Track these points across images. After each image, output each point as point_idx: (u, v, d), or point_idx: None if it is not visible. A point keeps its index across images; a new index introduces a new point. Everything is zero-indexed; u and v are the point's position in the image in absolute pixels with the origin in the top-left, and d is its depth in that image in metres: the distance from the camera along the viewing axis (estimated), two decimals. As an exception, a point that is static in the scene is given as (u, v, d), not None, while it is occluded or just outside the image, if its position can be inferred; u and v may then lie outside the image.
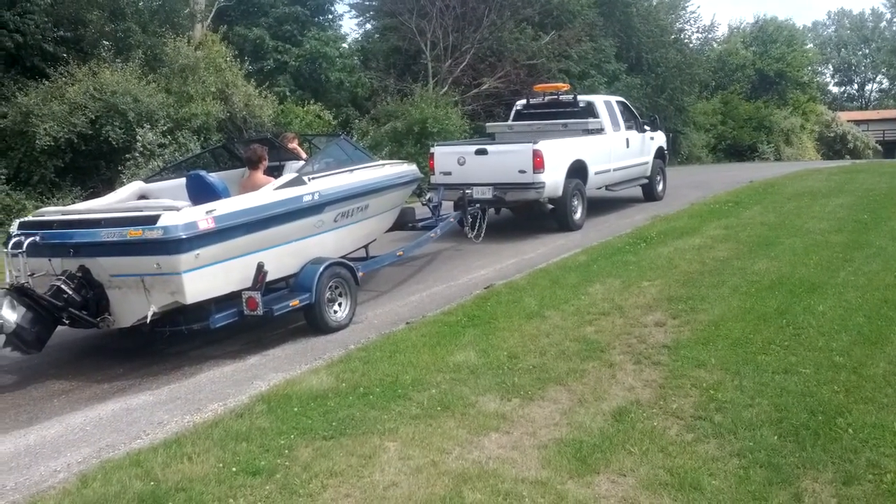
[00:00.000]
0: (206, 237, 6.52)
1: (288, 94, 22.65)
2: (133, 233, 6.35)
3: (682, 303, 7.58)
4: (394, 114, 22.80)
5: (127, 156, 16.71)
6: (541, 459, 4.45)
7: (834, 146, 47.62)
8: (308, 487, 4.22)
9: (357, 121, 23.76)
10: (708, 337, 6.46)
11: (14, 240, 6.67)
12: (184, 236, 6.31)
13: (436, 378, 5.82)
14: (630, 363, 6.02)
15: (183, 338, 7.45)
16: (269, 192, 7.43)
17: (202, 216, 6.56)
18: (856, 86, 79.62)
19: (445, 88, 24.63)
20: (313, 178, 7.94)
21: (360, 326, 7.77)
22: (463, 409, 5.20)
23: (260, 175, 8.06)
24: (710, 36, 46.18)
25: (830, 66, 75.59)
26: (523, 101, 15.95)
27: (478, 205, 11.91)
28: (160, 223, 6.31)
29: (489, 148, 12.92)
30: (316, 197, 7.82)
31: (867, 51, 77.03)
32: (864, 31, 77.72)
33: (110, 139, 16.62)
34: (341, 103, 24.51)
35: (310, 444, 4.74)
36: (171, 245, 6.28)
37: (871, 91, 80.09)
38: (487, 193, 12.41)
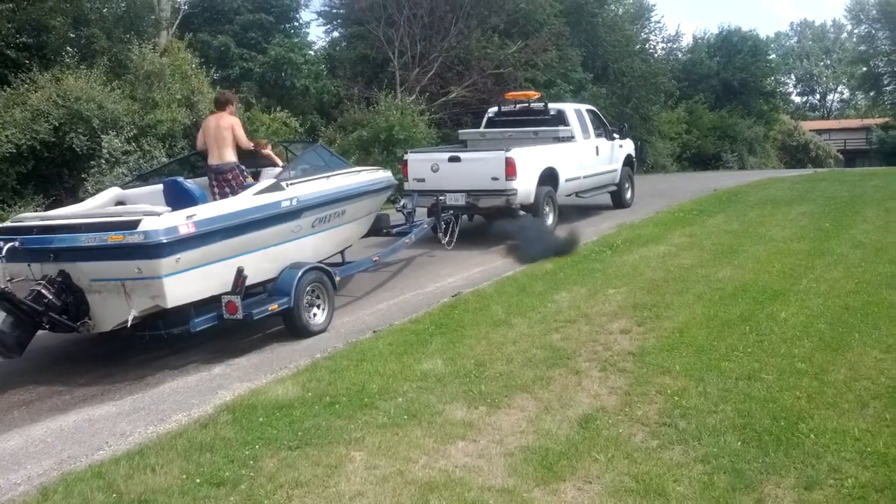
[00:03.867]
0: (187, 242, 6.59)
1: (253, 101, 22.49)
2: (114, 237, 6.39)
3: (647, 310, 7.66)
4: (360, 122, 22.75)
5: (91, 163, 16.47)
6: (507, 467, 4.45)
7: (796, 155, 48.30)
8: (273, 498, 4.19)
9: (324, 128, 23.65)
10: (672, 344, 6.53)
11: None
12: (164, 241, 6.37)
13: (402, 387, 5.81)
14: (596, 370, 6.06)
15: (147, 347, 7.39)
16: (248, 198, 7.54)
17: (183, 221, 6.63)
18: (818, 96, 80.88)
19: (413, 96, 24.62)
20: (291, 184, 8.05)
21: (326, 335, 7.74)
22: (430, 418, 5.19)
23: (227, 115, 8.57)
24: (674, 46, 46.74)
25: (793, 77, 76.73)
26: (495, 109, 16.10)
27: (451, 211, 11.98)
28: (141, 228, 6.36)
29: (462, 155, 13.02)
30: (294, 202, 7.92)
31: (829, 61, 78.27)
32: (826, 42, 78.99)
33: (74, 146, 16.36)
34: (307, 110, 24.36)
35: (275, 454, 4.71)
36: (151, 249, 6.34)
37: (833, 101, 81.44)
38: (460, 200, 12.52)
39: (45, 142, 16.17)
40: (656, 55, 40.63)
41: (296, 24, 27.11)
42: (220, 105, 8.73)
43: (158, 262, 6.38)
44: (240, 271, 6.98)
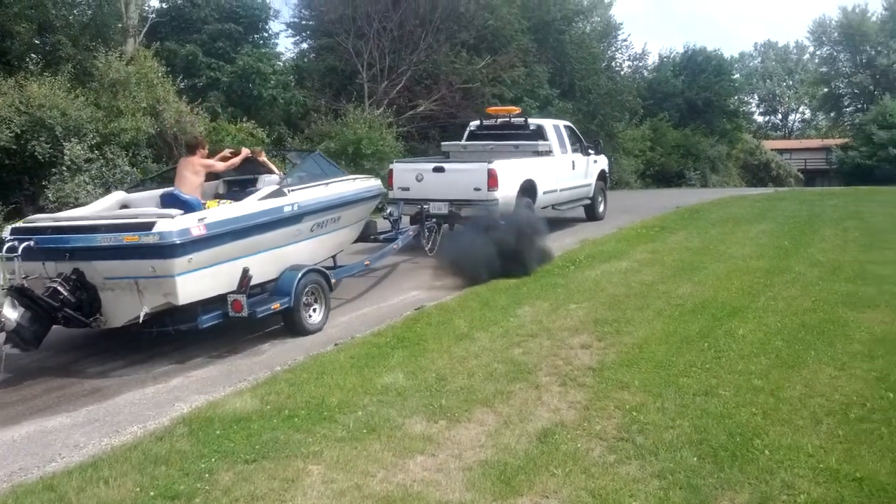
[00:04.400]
0: (198, 243, 7.01)
1: (220, 110, 22.35)
2: (129, 238, 6.80)
3: (607, 325, 7.72)
4: (328, 134, 22.71)
5: (53, 170, 16.26)
6: (465, 482, 4.45)
7: (758, 174, 49.00)
8: (228, 512, 4.15)
9: (291, 139, 23.57)
10: (632, 359, 6.58)
11: (8, 244, 6.99)
12: (178, 241, 6.79)
13: (363, 400, 5.79)
14: (556, 385, 6.08)
15: (105, 359, 7.35)
16: (253, 203, 8.00)
17: (195, 223, 7.06)
18: (780, 115, 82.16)
19: (381, 109, 24.65)
20: (292, 191, 8.51)
21: (286, 347, 7.70)
22: (389, 432, 5.18)
23: (197, 158, 8.73)
24: (640, 64, 47.33)
25: (756, 96, 77.88)
26: (477, 123, 16.69)
27: (433, 219, 12.28)
28: (156, 229, 6.78)
29: (446, 166, 13.48)
30: (295, 208, 8.39)
31: (791, 82, 79.54)
32: (789, 62, 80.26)
33: (36, 153, 16.15)
34: (274, 121, 24.25)
35: (231, 467, 4.66)
36: (166, 249, 6.75)
37: (794, 121, 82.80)
38: (443, 209, 12.87)
39: (6, 149, 15.94)
40: (622, 73, 41.12)
41: (265, 34, 26.99)
42: (191, 148, 8.98)
43: (172, 261, 6.79)
44: (245, 271, 7.38)
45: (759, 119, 78.22)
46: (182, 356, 7.52)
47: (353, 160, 21.04)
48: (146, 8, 23.97)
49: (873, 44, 61.36)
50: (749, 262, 11.09)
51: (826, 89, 67.98)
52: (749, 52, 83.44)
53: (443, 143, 17.63)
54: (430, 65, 26.29)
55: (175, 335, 7.51)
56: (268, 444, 4.98)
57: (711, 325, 7.68)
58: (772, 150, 54.34)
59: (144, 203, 8.69)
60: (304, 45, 30.87)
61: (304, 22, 29.99)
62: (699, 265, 10.97)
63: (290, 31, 30.42)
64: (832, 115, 70.15)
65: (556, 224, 16.21)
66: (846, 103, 66.75)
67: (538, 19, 31.51)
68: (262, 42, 26.49)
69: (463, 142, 16.26)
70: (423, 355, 6.94)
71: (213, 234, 7.17)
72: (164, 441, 5.12)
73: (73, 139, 16.51)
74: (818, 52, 69.43)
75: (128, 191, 9.46)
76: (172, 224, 6.88)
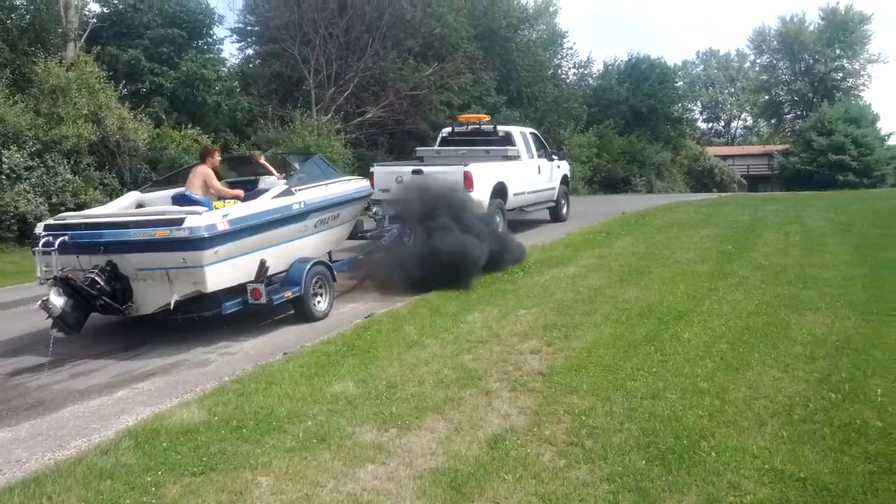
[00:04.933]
0: (223, 237, 7.79)
1: (163, 116, 22.00)
2: (161, 232, 7.54)
3: (556, 330, 7.77)
4: (275, 140, 22.53)
5: (-10, 178, 15.85)
6: (416, 490, 4.43)
7: (702, 179, 49.86)
8: (175, 526, 4.07)
9: (237, 146, 23.30)
10: (580, 364, 6.63)
11: (44, 239, 7.73)
12: (206, 235, 7.56)
13: (312, 410, 5.73)
14: (506, 390, 6.10)
15: (46, 372, 7.18)
16: (267, 201, 8.78)
17: (220, 219, 7.87)
18: (722, 122, 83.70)
19: (329, 116, 24.53)
20: (299, 190, 9.32)
21: (235, 358, 7.60)
22: (339, 441, 5.13)
23: (205, 168, 9.44)
24: (586, 72, 47.91)
25: (699, 104, 79.24)
26: (449, 129, 18.02)
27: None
28: (186, 224, 7.53)
29: (425, 169, 14.22)
30: (302, 206, 9.21)
31: (733, 89, 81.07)
32: (731, 70, 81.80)
33: (-28, 161, 15.74)
34: (220, 128, 23.96)
35: (178, 480, 4.57)
36: (195, 242, 7.51)
37: (737, 128, 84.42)
38: None
39: (-60, 156, 15.51)
40: (568, 80, 41.60)
41: (209, 40, 26.67)
42: (202, 157, 9.72)
43: (202, 253, 7.56)
44: (262, 263, 8.25)
45: (703, 126, 79.69)
46: (129, 367, 7.39)
47: (301, 167, 20.88)
48: (87, 12, 23.50)
49: (811, 52, 62.88)
50: (694, 267, 11.28)
51: (767, 96, 69.42)
52: (692, 60, 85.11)
53: (417, 148, 18.70)
54: (377, 71, 26.26)
55: (123, 351, 7.45)
56: (215, 456, 4.90)
57: (658, 328, 7.78)
58: (715, 156, 55.35)
59: (158, 202, 9.52)
60: (250, 51, 30.63)
61: (249, 27, 29.74)
62: (645, 270, 11.12)
63: (235, 36, 30.15)
64: (773, 121, 71.65)
65: (512, 227, 16.31)
66: (786, 110, 68.24)
67: (484, 27, 31.72)
68: (206, 48, 26.17)
69: (436, 147, 17.36)
70: (374, 363, 6.91)
71: (235, 228, 7.95)
72: (109, 455, 5.00)
73: (11, 147, 16.11)
74: (758, 61, 70.90)
75: (142, 191, 10.21)
76: (201, 220, 7.65)
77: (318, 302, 9.19)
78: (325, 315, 9.18)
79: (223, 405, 5.88)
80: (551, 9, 45.15)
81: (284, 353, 7.46)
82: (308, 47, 25.16)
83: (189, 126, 21.09)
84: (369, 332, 8.06)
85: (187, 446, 5.08)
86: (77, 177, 17.08)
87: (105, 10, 24.62)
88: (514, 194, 15.61)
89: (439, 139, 17.84)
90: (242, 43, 30.62)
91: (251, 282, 8.14)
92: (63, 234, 7.73)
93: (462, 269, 10.33)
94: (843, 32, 61.91)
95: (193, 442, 5.15)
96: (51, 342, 7.56)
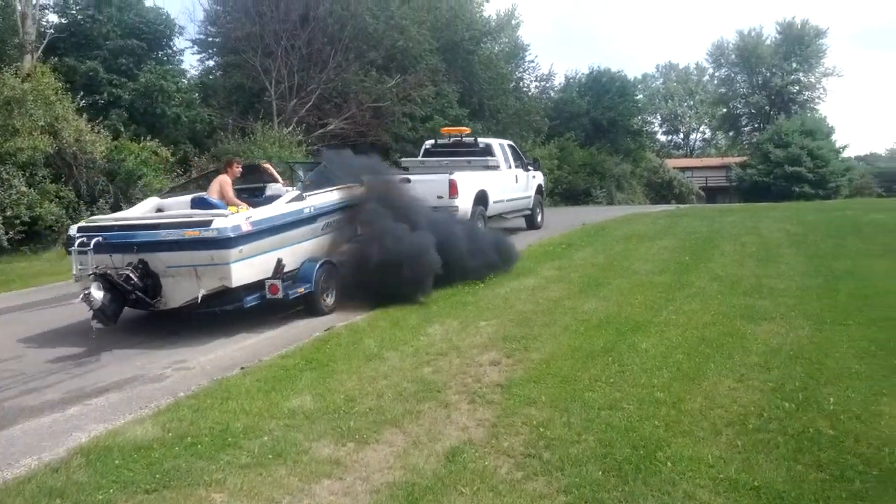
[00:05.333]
0: (247, 237, 8.59)
1: (122, 128, 21.75)
2: (190, 233, 8.34)
3: (515, 342, 7.78)
4: (236, 152, 22.36)
5: (-57, 191, 15.55)
6: (372, 504, 4.40)
7: (661, 191, 50.47)
8: (126, 545, 3.99)
9: (196, 158, 23.10)
10: (539, 375, 6.64)
11: (79, 239, 8.51)
12: (232, 235, 8.37)
13: (269, 425, 5.67)
14: (465, 402, 6.09)
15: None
16: (282, 205, 9.65)
17: (244, 220, 8.67)
18: (681, 135, 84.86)
19: (290, 128, 24.43)
20: (309, 195, 10.15)
21: (191, 373, 7.48)
22: (296, 457, 5.08)
23: (224, 177, 10.35)
24: (547, 85, 48.35)
25: (659, 116, 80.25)
26: (432, 141, 19.11)
27: None
28: (214, 225, 8.34)
29: (413, 177, 14.72)
30: (312, 210, 10.06)
31: (692, 102, 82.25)
32: (690, 83, 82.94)
33: (-77, 173, 15.43)
34: (179, 140, 23.77)
35: (130, 498, 4.49)
36: (223, 242, 8.30)
37: (696, 140, 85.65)
38: None
39: None
40: (530, 93, 41.89)
41: (169, 51, 26.47)
42: (223, 167, 10.66)
43: (228, 251, 8.35)
44: (279, 261, 9.11)
45: (662, 138, 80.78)
46: (82, 383, 7.24)
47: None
48: (44, 23, 23.22)
49: (768, 66, 64.08)
50: (652, 278, 11.38)
51: (725, 109, 70.57)
52: (651, 74, 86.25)
53: (402, 158, 19.82)
54: (339, 83, 26.25)
55: (80, 361, 7.28)
56: (169, 473, 4.81)
57: (615, 339, 7.83)
58: (674, 168, 56.13)
59: (177, 206, 10.35)
60: (210, 63, 30.48)
61: (210, 39, 29.59)
62: (604, 281, 11.19)
63: (195, 47, 29.97)
64: (731, 134, 72.80)
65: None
66: (744, 123, 69.38)
67: (447, 39, 31.86)
68: (166, 59, 25.99)
69: (420, 158, 18.41)
70: (332, 377, 6.86)
71: (256, 229, 8.75)
72: (59, 473, 4.89)
73: (-36, 159, 15.83)
74: (717, 74, 72.08)
75: (161, 196, 11.12)
76: (227, 221, 8.45)
77: (327, 298, 9.97)
78: (333, 310, 9.93)
79: (178, 421, 5.79)
80: (514, 22, 45.68)
81: (242, 368, 7.36)
82: (269, 59, 25.09)
83: (148, 138, 20.87)
84: (328, 346, 8.00)
85: (140, 463, 4.99)
86: (32, 189, 16.82)
87: (63, 20, 24.37)
88: (495, 202, 16.73)
89: (422, 150, 18.89)
90: (203, 54, 30.49)
91: (269, 278, 8.92)
92: (97, 235, 8.49)
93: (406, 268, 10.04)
94: (800, 46, 63.26)
95: (147, 459, 5.06)
96: (92, 332, 8.26)
